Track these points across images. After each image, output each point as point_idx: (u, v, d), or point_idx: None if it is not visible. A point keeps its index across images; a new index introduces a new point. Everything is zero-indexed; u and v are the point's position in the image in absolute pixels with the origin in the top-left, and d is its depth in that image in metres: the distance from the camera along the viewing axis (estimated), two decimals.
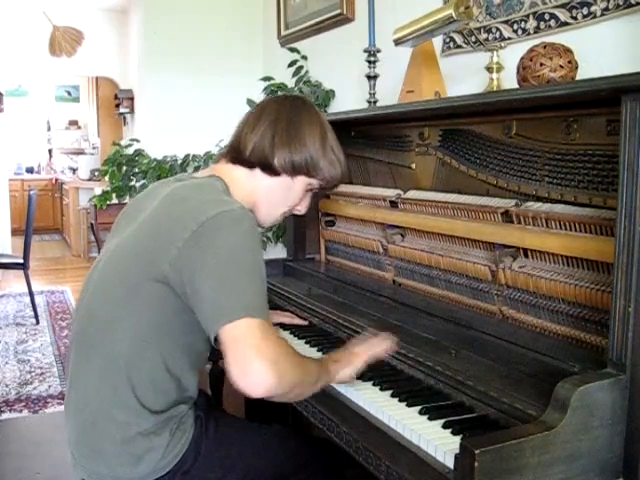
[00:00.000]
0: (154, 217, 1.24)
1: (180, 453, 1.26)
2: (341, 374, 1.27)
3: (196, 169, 3.16)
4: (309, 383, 1.18)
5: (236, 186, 1.33)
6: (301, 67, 3.17)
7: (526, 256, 1.40)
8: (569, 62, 1.36)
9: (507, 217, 1.43)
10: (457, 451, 0.93)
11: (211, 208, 1.17)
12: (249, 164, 1.34)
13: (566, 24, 1.67)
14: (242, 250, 1.14)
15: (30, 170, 9.94)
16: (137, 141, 3.70)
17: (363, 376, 1.36)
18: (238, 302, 1.08)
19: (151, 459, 1.23)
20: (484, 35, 1.94)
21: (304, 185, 1.37)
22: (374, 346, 1.34)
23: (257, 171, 1.35)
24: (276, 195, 1.37)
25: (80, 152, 9.16)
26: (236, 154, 1.36)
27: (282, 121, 1.33)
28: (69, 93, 10.03)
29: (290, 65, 3.18)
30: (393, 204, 1.85)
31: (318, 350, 1.54)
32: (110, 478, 1.24)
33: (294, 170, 1.34)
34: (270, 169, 1.33)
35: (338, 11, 2.87)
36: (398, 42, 1.85)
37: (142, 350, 1.21)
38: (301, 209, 1.44)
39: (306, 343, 1.61)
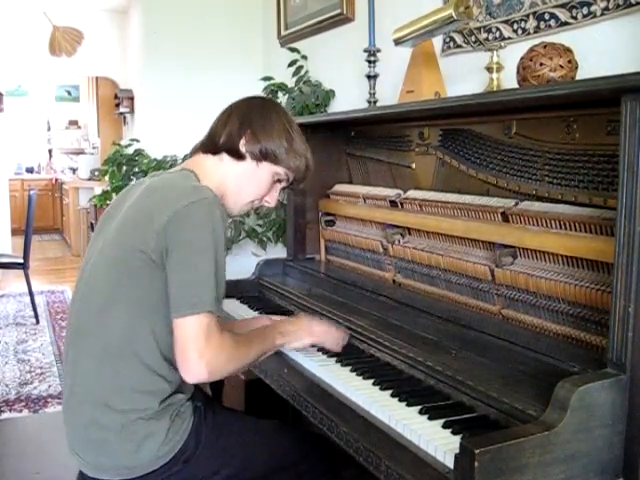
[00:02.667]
0: (133, 211, 1.33)
1: (181, 441, 1.29)
2: (285, 346, 1.47)
3: None
4: (245, 366, 1.36)
5: (206, 177, 1.40)
6: (301, 67, 3.17)
7: (526, 256, 1.40)
8: (569, 62, 1.36)
9: (507, 217, 1.43)
10: (457, 451, 0.93)
11: (184, 196, 1.26)
12: (217, 150, 1.43)
13: (566, 24, 1.67)
14: (209, 243, 1.24)
15: (30, 170, 9.94)
16: (137, 141, 3.69)
17: (363, 375, 1.36)
18: (196, 297, 1.21)
19: (152, 445, 1.26)
20: (484, 35, 1.93)
21: (270, 174, 1.44)
22: (330, 335, 1.51)
23: (224, 156, 1.42)
24: (243, 181, 1.44)
25: (80, 152, 9.15)
26: (208, 143, 1.45)
27: (251, 114, 1.43)
28: (69, 93, 10.02)
29: (290, 65, 3.17)
30: (393, 204, 1.85)
31: (318, 350, 1.54)
32: (113, 468, 1.27)
33: (259, 155, 1.41)
34: (236, 153, 1.41)
35: (338, 11, 2.87)
36: (398, 42, 1.85)
37: (135, 332, 1.27)
38: (270, 201, 1.49)
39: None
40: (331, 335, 1.51)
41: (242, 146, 1.40)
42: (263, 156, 1.41)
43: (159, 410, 1.27)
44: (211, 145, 1.44)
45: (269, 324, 1.54)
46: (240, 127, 1.41)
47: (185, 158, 3.32)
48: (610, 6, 1.54)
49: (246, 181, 1.43)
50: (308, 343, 1.48)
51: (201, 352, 1.19)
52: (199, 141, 1.49)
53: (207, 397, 1.53)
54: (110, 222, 1.37)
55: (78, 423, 1.30)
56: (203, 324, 1.20)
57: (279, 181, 1.46)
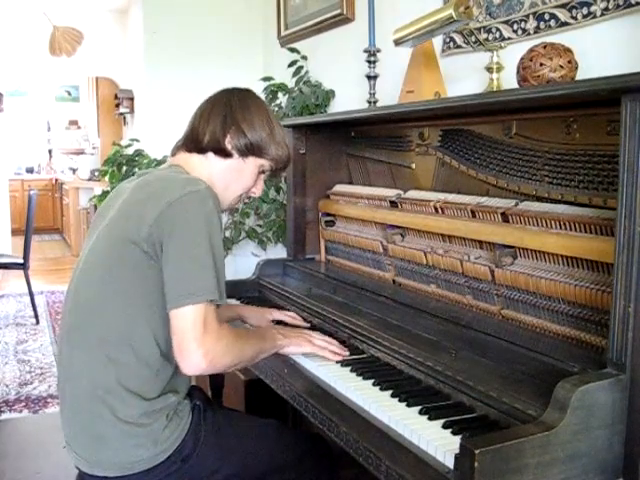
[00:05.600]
0: (124, 205, 1.34)
1: (179, 438, 1.29)
2: (284, 348, 1.46)
3: None
4: (245, 362, 1.35)
5: (193, 174, 1.39)
6: (301, 67, 3.17)
7: (526, 256, 1.40)
8: (569, 62, 1.36)
9: (507, 217, 1.43)
10: (457, 451, 0.93)
11: (178, 188, 1.27)
12: (202, 150, 1.42)
13: (566, 24, 1.67)
14: (204, 232, 1.23)
15: (30, 170, 9.94)
16: (137, 141, 3.69)
17: (363, 375, 1.36)
18: (192, 287, 1.20)
19: (148, 442, 1.26)
20: (484, 35, 1.94)
21: (256, 167, 1.46)
22: (328, 349, 1.48)
23: (210, 155, 1.43)
24: (230, 177, 1.44)
25: (80, 152, 9.16)
26: (191, 143, 1.44)
27: (232, 108, 1.43)
28: (69, 93, 10.03)
29: (290, 65, 3.17)
30: (393, 204, 1.85)
31: None
32: (109, 464, 1.26)
33: (245, 150, 1.42)
34: (222, 151, 1.42)
35: (338, 11, 2.87)
36: (398, 42, 1.85)
37: (131, 325, 1.26)
38: (256, 192, 1.52)
39: None
40: (330, 349, 1.49)
41: (228, 143, 1.41)
42: (249, 151, 1.42)
43: (151, 411, 1.27)
44: (195, 144, 1.43)
45: (270, 326, 1.54)
46: (223, 123, 1.41)
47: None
48: (610, 6, 1.54)
49: (234, 177, 1.45)
50: (306, 351, 1.47)
51: (200, 341, 1.18)
52: (180, 139, 1.49)
53: (206, 397, 1.52)
54: (102, 220, 1.38)
55: (74, 418, 1.30)
56: (201, 313, 1.19)
57: (263, 172, 1.49)
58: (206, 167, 1.42)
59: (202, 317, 1.19)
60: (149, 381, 1.27)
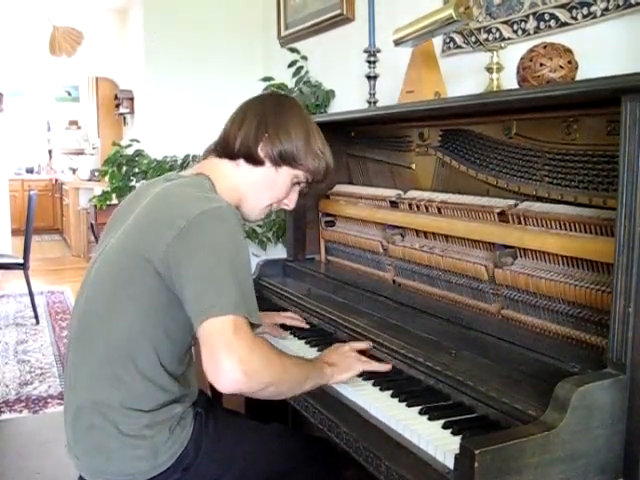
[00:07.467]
0: (143, 215, 1.27)
1: (180, 448, 1.27)
2: (337, 378, 1.31)
3: None
4: (289, 382, 1.20)
5: (222, 182, 1.35)
6: (301, 67, 3.17)
7: (526, 256, 1.40)
8: (569, 62, 1.36)
9: (507, 217, 1.43)
10: (457, 451, 0.93)
11: (197, 206, 1.20)
12: (233, 156, 1.37)
13: (566, 24, 1.67)
14: (227, 248, 1.17)
15: (30, 170, 9.94)
16: (137, 141, 3.69)
17: (362, 375, 1.36)
18: (217, 300, 1.10)
19: (151, 455, 1.24)
20: (484, 35, 1.94)
21: (289, 177, 1.39)
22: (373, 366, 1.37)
23: (241, 162, 1.37)
24: (261, 187, 1.39)
25: (80, 152, 9.16)
26: (222, 148, 1.38)
27: (267, 114, 1.37)
28: (69, 93, 10.03)
29: (290, 65, 3.18)
30: (393, 204, 1.85)
31: (318, 350, 1.54)
32: (111, 474, 1.25)
33: (278, 159, 1.36)
34: (254, 158, 1.36)
35: (338, 11, 2.87)
36: (398, 42, 1.85)
37: (136, 342, 1.22)
38: (289, 204, 1.45)
39: (306, 343, 1.62)
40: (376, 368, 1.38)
41: (260, 151, 1.35)
42: (282, 160, 1.36)
43: (155, 423, 1.24)
44: (227, 150, 1.37)
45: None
46: (257, 130, 1.35)
47: (186, 159, 3.34)
48: (610, 6, 1.54)
49: (264, 186, 1.39)
50: (360, 369, 1.35)
51: (231, 347, 1.05)
52: (212, 143, 1.43)
53: (208, 401, 1.50)
54: (119, 224, 1.32)
55: (77, 426, 1.27)
56: (228, 322, 1.08)
57: (298, 183, 1.42)
58: (236, 175, 1.37)
59: (230, 326, 1.08)
60: (153, 396, 1.24)
